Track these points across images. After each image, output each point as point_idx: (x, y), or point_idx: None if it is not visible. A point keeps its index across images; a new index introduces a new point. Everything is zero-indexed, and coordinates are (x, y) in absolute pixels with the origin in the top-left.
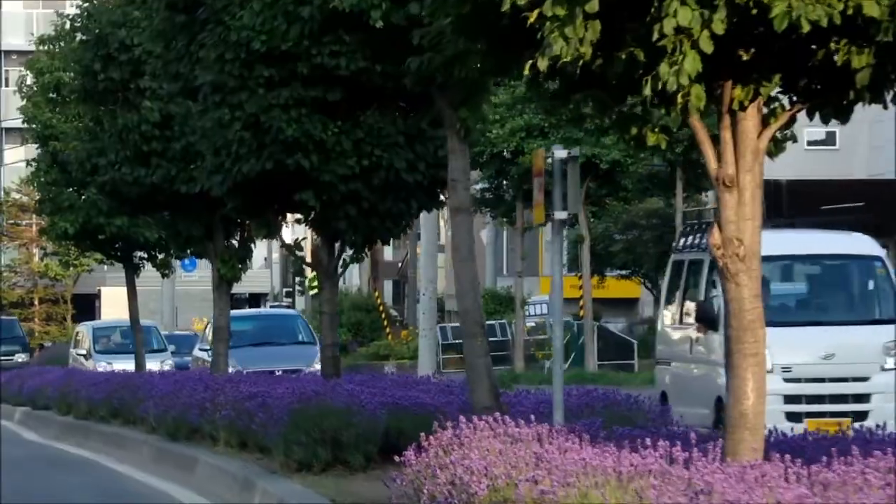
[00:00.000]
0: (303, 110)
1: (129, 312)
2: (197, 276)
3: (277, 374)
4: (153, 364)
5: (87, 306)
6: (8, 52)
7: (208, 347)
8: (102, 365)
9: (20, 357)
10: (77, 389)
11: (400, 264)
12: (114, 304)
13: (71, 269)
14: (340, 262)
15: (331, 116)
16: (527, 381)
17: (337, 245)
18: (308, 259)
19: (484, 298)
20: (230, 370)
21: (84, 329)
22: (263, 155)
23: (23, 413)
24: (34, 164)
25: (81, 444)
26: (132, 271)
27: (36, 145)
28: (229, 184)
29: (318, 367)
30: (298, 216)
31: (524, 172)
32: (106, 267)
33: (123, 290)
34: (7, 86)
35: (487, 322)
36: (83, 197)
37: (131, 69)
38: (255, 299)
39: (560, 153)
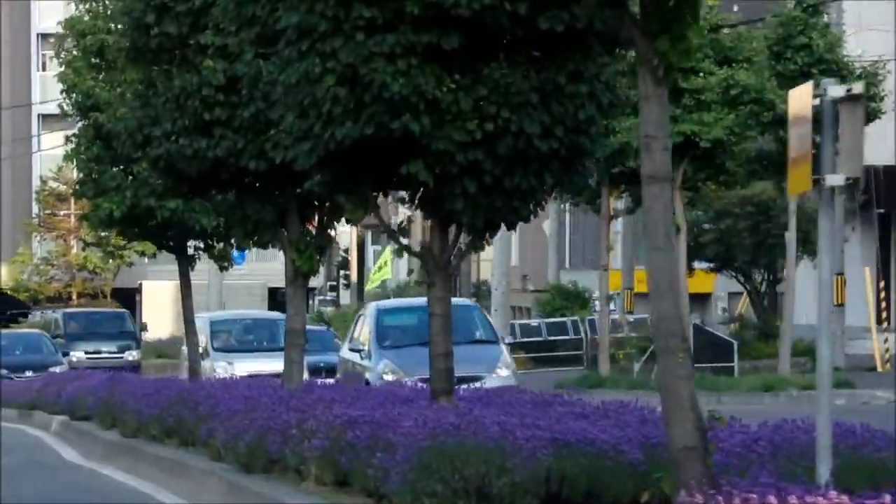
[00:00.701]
0: (412, 60)
1: (182, 311)
2: (246, 268)
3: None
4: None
5: (127, 302)
6: (44, 35)
7: (362, 347)
8: (222, 366)
9: (131, 354)
10: (123, 400)
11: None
12: (156, 300)
13: (111, 261)
14: (455, 252)
15: (446, 69)
16: (613, 386)
17: (452, 230)
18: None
19: (549, 293)
20: (389, 377)
21: (199, 322)
22: (362, 117)
23: (60, 424)
24: (74, 139)
25: (132, 468)
26: (186, 263)
27: (76, 118)
28: (319, 153)
29: (504, 372)
30: (402, 194)
31: (614, 153)
32: (147, 259)
33: (166, 284)
34: (43, 70)
35: (556, 319)
36: (131, 176)
37: (190, 21)
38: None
39: (836, 90)
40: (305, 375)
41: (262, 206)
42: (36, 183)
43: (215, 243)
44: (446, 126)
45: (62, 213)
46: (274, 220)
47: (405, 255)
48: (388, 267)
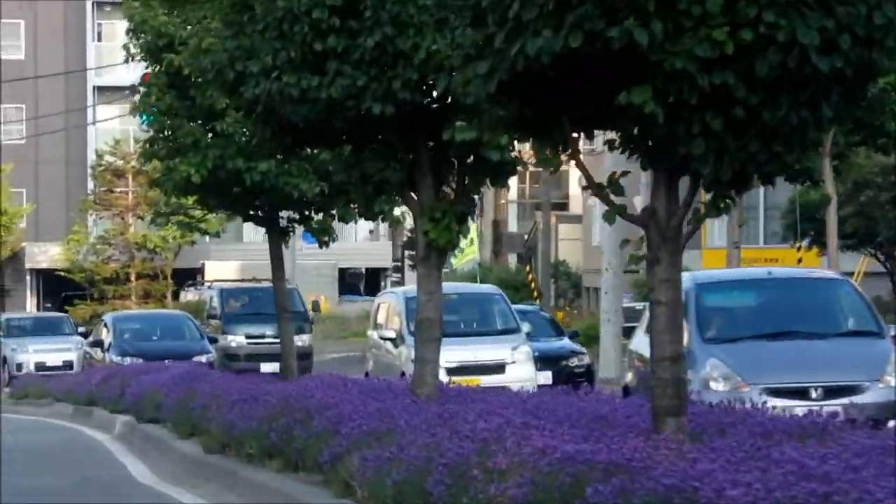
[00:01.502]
0: None
1: (275, 296)
2: (304, 248)
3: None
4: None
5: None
6: (100, 4)
7: (392, 335)
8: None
9: (301, 339)
10: (204, 404)
11: (527, 236)
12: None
13: (172, 239)
14: (687, 216)
15: None
16: None
17: (684, 186)
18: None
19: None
20: (720, 385)
21: (393, 299)
22: (566, 22)
23: (125, 426)
24: (143, 87)
25: (220, 495)
26: (278, 238)
27: (145, 63)
28: (501, 76)
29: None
30: (610, 136)
31: None
32: (209, 238)
33: (230, 265)
34: (99, 40)
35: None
36: (211, 133)
37: None
38: (374, 276)
39: None
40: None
41: (387, 162)
42: (91, 158)
43: (313, 213)
44: (685, 36)
45: (118, 190)
46: (402, 180)
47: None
48: (475, 245)
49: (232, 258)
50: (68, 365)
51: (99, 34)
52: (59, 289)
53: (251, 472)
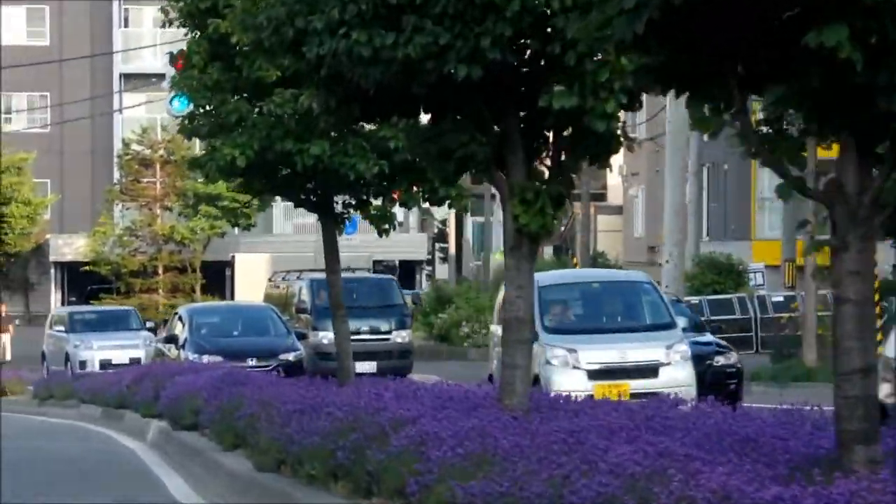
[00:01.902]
0: None
1: (330, 289)
2: (358, 239)
3: None
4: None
5: (216, 277)
6: None
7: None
8: (560, 356)
9: (401, 336)
10: (253, 413)
11: (563, 227)
12: (249, 274)
13: (201, 231)
14: (880, 191)
15: None
16: (825, 379)
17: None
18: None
19: (700, 267)
20: None
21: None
22: None
23: (160, 433)
24: (183, 56)
25: None
26: (332, 225)
27: (186, 28)
28: (652, 12)
29: None
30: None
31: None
32: (237, 230)
33: (261, 258)
34: (126, 26)
35: (719, 296)
36: (258, 108)
37: None
38: (409, 269)
39: None
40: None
41: (472, 135)
42: (117, 147)
43: (370, 198)
44: None
45: (145, 180)
46: (488, 156)
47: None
48: None
49: (262, 250)
50: (135, 362)
51: (125, 20)
52: (83, 282)
53: (314, 495)
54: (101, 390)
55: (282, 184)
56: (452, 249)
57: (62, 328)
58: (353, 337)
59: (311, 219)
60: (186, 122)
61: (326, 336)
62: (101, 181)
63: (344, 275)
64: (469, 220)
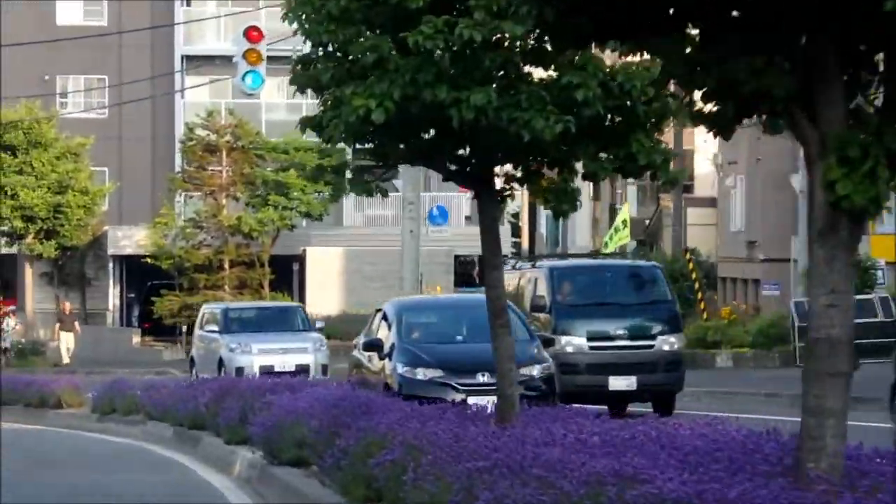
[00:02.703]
0: None
1: (487, 283)
2: (449, 232)
3: None
4: None
5: (283, 272)
6: None
7: None
8: None
9: (668, 343)
10: (395, 460)
11: (648, 221)
12: (321, 268)
13: (269, 224)
14: None
15: None
16: None
17: None
18: None
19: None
20: None
21: None
22: None
23: (250, 466)
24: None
25: None
26: (493, 203)
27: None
28: None
29: None
30: None
31: None
32: (305, 222)
33: (334, 252)
34: (188, 5)
35: (858, 296)
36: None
37: None
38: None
39: None
40: None
41: (770, 59)
42: (179, 133)
43: (545, 167)
44: None
45: (210, 168)
46: (790, 90)
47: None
48: (626, 229)
49: (334, 244)
50: (303, 370)
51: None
52: (143, 277)
53: None
54: (173, 406)
55: (428, 147)
56: (525, 244)
57: (215, 328)
58: (605, 344)
59: (385, 210)
60: (300, 67)
61: (571, 342)
62: (161, 170)
63: (593, 262)
64: (542, 214)
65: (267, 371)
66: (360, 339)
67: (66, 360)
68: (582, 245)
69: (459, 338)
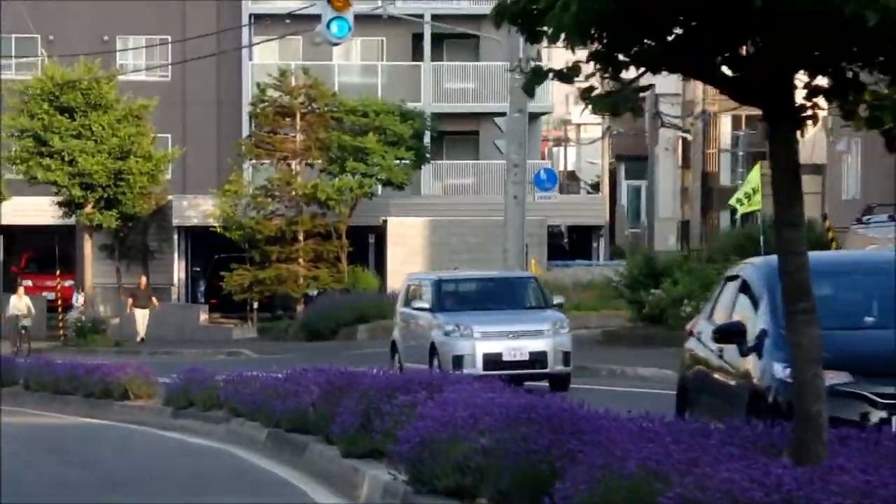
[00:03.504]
0: None
1: (787, 272)
2: (556, 197)
3: None
4: None
5: (360, 244)
6: None
7: None
8: None
9: None
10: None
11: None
12: (402, 240)
13: (348, 192)
14: None
15: None
16: None
17: None
18: None
19: None
20: None
21: None
22: None
23: (385, 492)
24: None
25: None
26: (789, 132)
27: None
28: None
29: None
30: None
31: None
32: (381, 188)
33: (417, 223)
34: None
35: None
36: None
37: None
38: (584, 236)
39: None
40: None
41: None
42: (247, 96)
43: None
44: None
45: (283, 131)
46: None
47: None
48: (758, 195)
49: (414, 214)
50: (538, 360)
51: None
52: (209, 250)
53: None
54: (267, 402)
55: (692, 40)
56: (606, 217)
57: (424, 304)
58: None
59: (465, 178)
60: None
61: None
62: (227, 137)
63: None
64: (623, 185)
65: (493, 361)
66: (701, 323)
67: (141, 335)
68: (665, 216)
69: (870, 319)
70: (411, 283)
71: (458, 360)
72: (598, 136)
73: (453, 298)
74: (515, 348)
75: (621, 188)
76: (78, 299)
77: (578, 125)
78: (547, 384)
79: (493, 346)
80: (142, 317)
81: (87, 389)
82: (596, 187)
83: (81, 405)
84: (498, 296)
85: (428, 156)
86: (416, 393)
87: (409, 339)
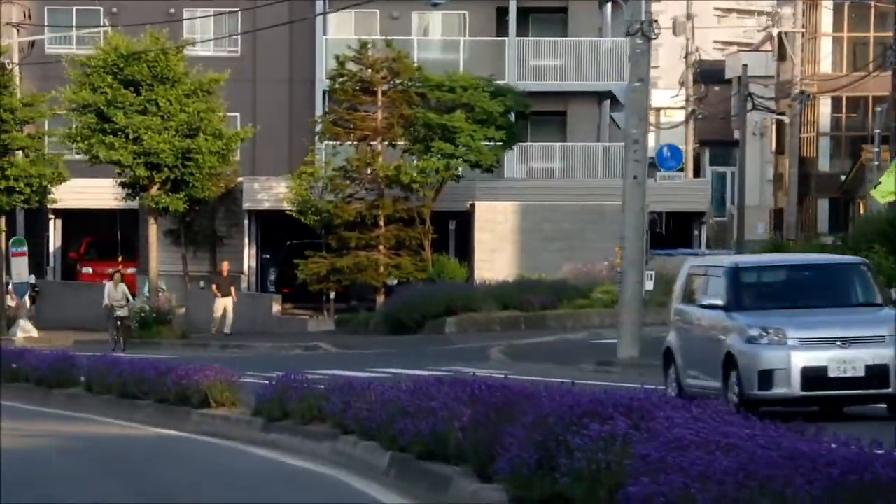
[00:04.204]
0: None
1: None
2: (683, 178)
3: None
4: None
5: (441, 230)
6: None
7: None
8: None
9: None
10: None
11: (844, 176)
12: (491, 227)
13: (433, 174)
14: None
15: None
16: None
17: None
18: None
19: None
20: None
21: None
22: None
23: None
24: None
25: None
26: None
27: None
28: None
29: None
30: None
31: None
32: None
33: (506, 207)
34: None
35: None
36: None
37: None
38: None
39: None
40: None
41: None
42: (322, 72)
43: None
44: None
45: (363, 108)
46: None
47: None
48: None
49: (502, 198)
50: (875, 377)
51: None
52: (280, 236)
53: None
54: (388, 420)
55: None
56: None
57: (715, 301)
58: None
59: (552, 162)
60: None
61: None
62: (300, 116)
63: None
64: (708, 170)
65: (815, 377)
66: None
67: (227, 329)
68: (752, 204)
69: None
70: (695, 270)
71: (765, 377)
72: (679, 120)
73: (756, 292)
74: (846, 361)
75: (706, 174)
76: (144, 290)
77: (658, 109)
78: (884, 407)
79: (816, 358)
80: (222, 307)
81: (160, 394)
82: (682, 170)
83: (153, 412)
84: (816, 288)
85: (518, 136)
86: (612, 420)
87: (692, 347)
